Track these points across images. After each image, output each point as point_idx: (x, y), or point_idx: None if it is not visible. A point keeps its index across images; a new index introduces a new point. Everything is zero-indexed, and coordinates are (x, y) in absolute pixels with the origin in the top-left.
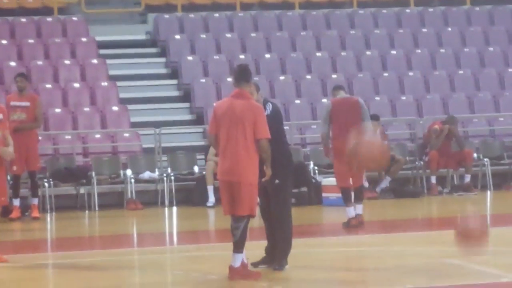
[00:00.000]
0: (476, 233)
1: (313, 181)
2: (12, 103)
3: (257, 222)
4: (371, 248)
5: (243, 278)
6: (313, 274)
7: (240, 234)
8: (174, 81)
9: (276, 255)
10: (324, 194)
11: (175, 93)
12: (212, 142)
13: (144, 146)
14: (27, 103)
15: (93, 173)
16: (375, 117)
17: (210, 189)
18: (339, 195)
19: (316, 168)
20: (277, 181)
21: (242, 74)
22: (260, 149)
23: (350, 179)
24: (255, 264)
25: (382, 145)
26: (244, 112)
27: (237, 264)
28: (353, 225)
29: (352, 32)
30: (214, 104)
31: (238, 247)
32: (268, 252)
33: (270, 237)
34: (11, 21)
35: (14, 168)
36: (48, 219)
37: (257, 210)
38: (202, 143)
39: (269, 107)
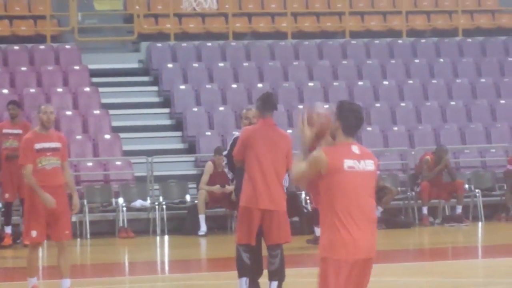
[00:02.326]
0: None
1: (305, 211)
2: (4, 131)
3: None
4: None
5: None
6: None
7: (279, 261)
8: (167, 110)
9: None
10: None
11: (167, 121)
12: (240, 165)
13: (136, 174)
14: (19, 131)
15: (85, 201)
16: None
17: (202, 218)
18: None
19: (307, 198)
20: None
21: (268, 103)
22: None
23: None
24: None
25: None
26: (280, 142)
27: None
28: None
29: (344, 62)
30: (242, 130)
31: (277, 274)
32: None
33: (255, 266)
34: (4, 48)
35: (6, 195)
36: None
37: None
38: (194, 172)
39: None
